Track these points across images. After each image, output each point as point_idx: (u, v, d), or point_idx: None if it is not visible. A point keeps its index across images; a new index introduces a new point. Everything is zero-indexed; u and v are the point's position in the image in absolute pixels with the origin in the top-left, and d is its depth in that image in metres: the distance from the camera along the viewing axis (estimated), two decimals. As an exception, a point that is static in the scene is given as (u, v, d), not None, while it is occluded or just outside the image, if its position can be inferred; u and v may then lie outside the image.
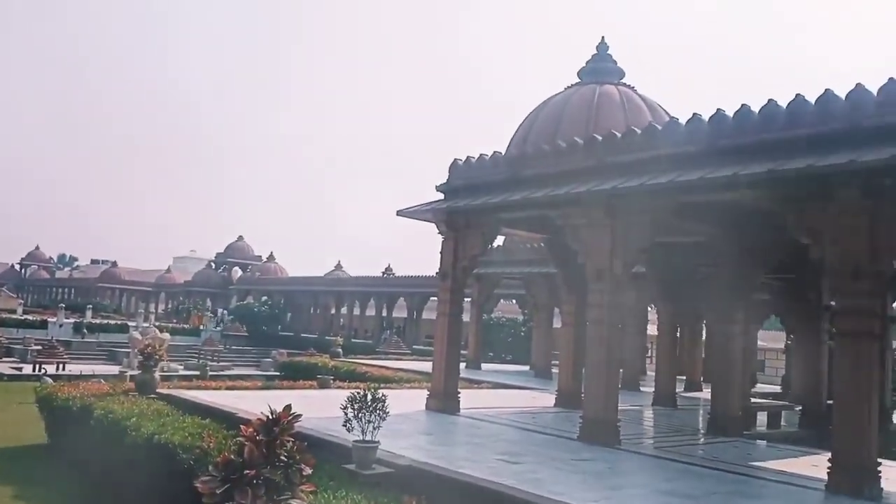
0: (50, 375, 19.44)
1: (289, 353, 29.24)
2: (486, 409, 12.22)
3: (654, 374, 17.04)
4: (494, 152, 12.01)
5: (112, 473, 8.72)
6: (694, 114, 8.90)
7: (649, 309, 22.12)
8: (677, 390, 15.94)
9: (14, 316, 36.79)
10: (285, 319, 49.51)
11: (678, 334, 17.82)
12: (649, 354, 25.43)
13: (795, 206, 7.51)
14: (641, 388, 18.31)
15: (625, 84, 24.15)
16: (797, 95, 7.83)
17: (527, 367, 23.81)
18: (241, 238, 68.10)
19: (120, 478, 8.46)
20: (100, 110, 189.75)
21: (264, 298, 49.99)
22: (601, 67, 24.60)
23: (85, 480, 9.16)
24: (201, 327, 41.32)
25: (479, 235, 12.00)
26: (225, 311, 51.90)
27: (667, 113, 21.60)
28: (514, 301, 35.27)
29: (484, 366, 23.74)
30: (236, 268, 65.83)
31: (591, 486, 6.69)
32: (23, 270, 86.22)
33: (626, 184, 8.87)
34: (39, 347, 24.71)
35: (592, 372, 9.69)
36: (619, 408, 9.61)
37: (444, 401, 11.63)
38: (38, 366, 22.11)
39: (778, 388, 21.32)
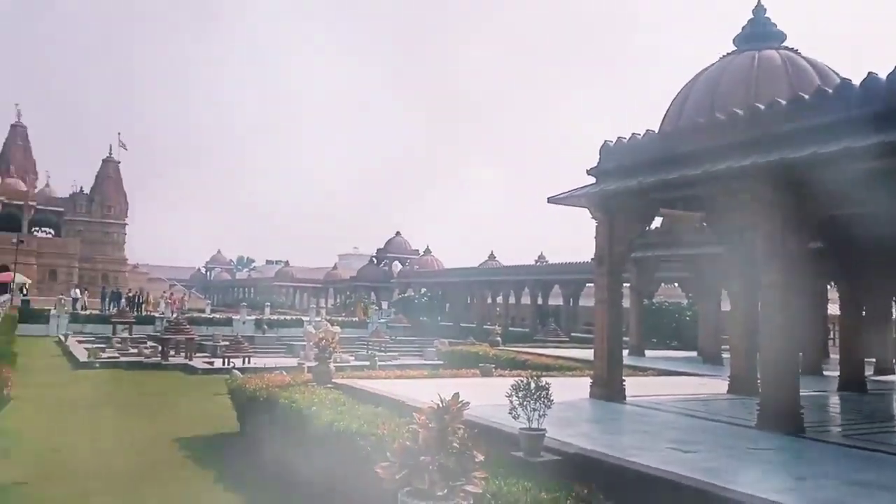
0: (238, 368, 21.25)
1: (449, 342, 30.01)
2: (653, 396, 11.89)
3: (837, 357, 15.77)
4: (647, 130, 11.63)
5: (297, 458, 9.41)
6: (869, 73, 8.13)
7: (829, 287, 20.48)
8: (866, 374, 14.66)
9: (203, 315, 40.53)
10: (444, 310, 50.80)
11: (863, 313, 16.37)
12: (831, 336, 23.58)
13: None
14: (824, 373, 17.02)
15: (786, 47, 22.46)
16: None
17: (694, 353, 22.85)
18: (398, 234, 70.74)
19: (304, 463, 9.12)
20: (268, 119, 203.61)
21: (423, 290, 51.63)
22: (759, 32, 23.03)
23: (273, 466, 9.93)
24: (367, 320, 43.36)
25: (635, 218, 11.67)
26: (387, 304, 54.13)
27: (837, 75, 19.84)
28: (676, 284, 33.94)
29: (648, 352, 23.08)
30: (396, 262, 68.48)
31: (773, 476, 6.34)
32: (208, 273, 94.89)
33: (795, 154, 8.27)
34: (227, 343, 27.05)
35: (769, 356, 9.15)
36: (801, 393, 9.01)
37: (608, 389, 11.46)
38: (226, 360, 24.20)
39: None
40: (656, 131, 11.76)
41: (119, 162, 70.01)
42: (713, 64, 23.31)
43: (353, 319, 43.61)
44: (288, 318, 42.57)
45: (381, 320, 43.50)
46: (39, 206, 66.28)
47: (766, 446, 7.77)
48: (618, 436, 8.76)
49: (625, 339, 15.60)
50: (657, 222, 20.82)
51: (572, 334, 33.64)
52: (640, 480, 6.10)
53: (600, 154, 12.11)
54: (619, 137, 11.87)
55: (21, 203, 64.48)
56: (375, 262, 70.41)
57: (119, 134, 73.31)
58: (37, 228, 67.60)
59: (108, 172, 68.96)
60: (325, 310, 52.74)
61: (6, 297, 42.35)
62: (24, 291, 46.24)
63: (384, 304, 52.96)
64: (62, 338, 31.90)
